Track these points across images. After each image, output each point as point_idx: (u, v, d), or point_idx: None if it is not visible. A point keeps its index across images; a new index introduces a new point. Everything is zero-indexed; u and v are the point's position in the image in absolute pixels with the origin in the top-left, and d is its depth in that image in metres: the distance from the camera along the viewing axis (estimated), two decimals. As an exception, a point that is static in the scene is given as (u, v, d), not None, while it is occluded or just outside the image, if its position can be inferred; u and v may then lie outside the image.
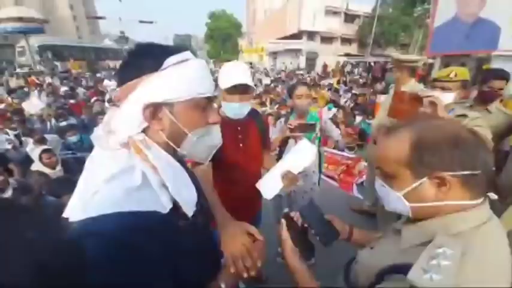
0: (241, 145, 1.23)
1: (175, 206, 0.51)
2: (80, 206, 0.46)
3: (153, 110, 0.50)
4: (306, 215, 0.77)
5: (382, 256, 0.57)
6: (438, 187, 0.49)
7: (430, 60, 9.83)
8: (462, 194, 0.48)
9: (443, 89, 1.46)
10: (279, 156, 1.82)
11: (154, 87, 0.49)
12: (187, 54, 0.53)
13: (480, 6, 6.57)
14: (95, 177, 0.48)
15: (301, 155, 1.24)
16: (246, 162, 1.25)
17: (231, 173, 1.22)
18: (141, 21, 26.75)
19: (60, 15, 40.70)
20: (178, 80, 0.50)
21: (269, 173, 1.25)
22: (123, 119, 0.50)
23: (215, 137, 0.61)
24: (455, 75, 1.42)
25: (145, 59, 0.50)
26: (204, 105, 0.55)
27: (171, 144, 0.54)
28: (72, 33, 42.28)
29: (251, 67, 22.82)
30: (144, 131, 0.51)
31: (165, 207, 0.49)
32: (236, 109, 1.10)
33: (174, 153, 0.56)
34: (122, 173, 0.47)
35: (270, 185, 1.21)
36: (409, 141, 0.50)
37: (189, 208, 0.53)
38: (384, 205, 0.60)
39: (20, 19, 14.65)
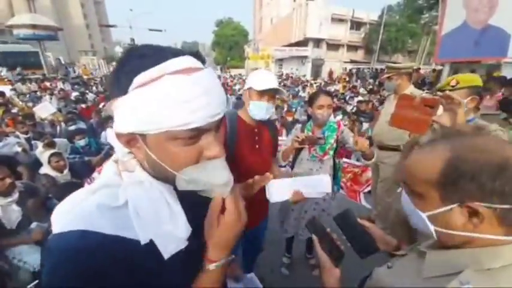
0: (257, 146, 1.30)
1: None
2: (60, 215, 0.42)
3: (128, 138, 0.42)
4: (340, 223, 0.73)
5: (401, 279, 0.52)
6: (469, 217, 0.43)
7: (439, 67, 9.74)
8: (497, 229, 0.42)
9: None
10: (292, 166, 1.79)
11: (118, 115, 0.40)
12: (165, 66, 0.37)
13: (490, 13, 6.52)
14: (92, 184, 0.45)
15: (317, 186, 1.30)
16: (260, 164, 1.31)
17: (246, 173, 1.24)
18: (150, 29, 27.42)
19: (74, 23, 42.30)
20: (141, 109, 0.37)
21: (282, 181, 1.29)
22: (111, 138, 0.46)
23: (220, 174, 0.45)
24: (457, 82, 1.31)
25: (119, 76, 0.40)
26: (192, 136, 0.40)
27: (158, 176, 0.45)
28: (85, 41, 43.90)
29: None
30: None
31: (142, 237, 0.42)
32: (263, 108, 1.21)
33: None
34: (105, 188, 0.44)
35: (278, 191, 1.26)
36: (445, 159, 0.43)
37: (166, 245, 0.44)
38: (410, 223, 0.55)
39: (33, 26, 15.12)
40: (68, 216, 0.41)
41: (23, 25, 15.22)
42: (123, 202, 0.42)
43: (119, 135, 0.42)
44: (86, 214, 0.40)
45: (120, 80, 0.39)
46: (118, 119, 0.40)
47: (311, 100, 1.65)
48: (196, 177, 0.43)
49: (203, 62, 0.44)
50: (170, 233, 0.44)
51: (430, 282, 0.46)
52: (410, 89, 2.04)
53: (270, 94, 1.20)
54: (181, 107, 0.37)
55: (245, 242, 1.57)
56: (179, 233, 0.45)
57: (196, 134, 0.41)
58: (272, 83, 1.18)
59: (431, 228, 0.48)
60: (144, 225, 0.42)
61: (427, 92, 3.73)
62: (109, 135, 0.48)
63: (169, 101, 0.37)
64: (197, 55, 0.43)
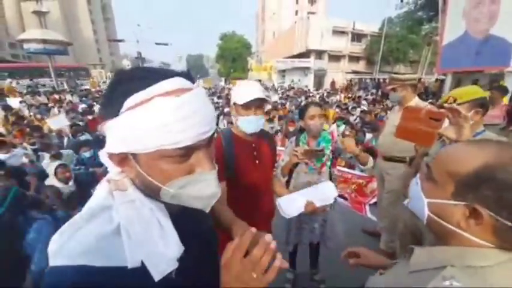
0: (257, 162, 1.27)
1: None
2: (57, 247, 0.40)
3: (120, 158, 0.43)
4: None
5: (390, 279, 0.55)
6: (468, 217, 0.44)
7: (442, 77, 9.77)
8: (487, 236, 0.43)
9: None
10: (289, 180, 1.77)
11: (110, 136, 0.41)
12: (155, 89, 0.39)
13: (490, 23, 6.57)
14: (84, 209, 0.44)
15: (324, 193, 1.34)
16: (261, 179, 1.29)
17: (248, 190, 1.24)
18: (157, 43, 28.29)
19: (84, 38, 44.11)
20: (132, 130, 0.38)
21: (292, 195, 1.34)
22: (103, 158, 0.46)
23: (207, 186, 0.45)
24: (454, 100, 1.29)
25: (110, 98, 0.41)
26: (182, 154, 0.41)
27: (150, 194, 0.45)
28: (94, 54, 45.52)
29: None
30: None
31: (131, 260, 0.41)
32: (253, 122, 1.16)
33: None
34: (99, 212, 0.43)
35: (291, 206, 1.29)
36: (485, 161, 0.42)
37: (157, 266, 0.42)
38: (408, 201, 0.57)
39: (44, 41, 15.63)
40: (65, 248, 0.40)
41: (33, 40, 15.70)
42: (117, 224, 0.42)
43: (111, 155, 0.43)
44: (84, 247, 0.39)
45: (111, 102, 0.40)
46: (110, 140, 0.42)
47: (302, 112, 1.65)
48: (182, 191, 0.43)
49: (193, 81, 0.45)
50: (161, 253, 0.43)
51: (414, 276, 0.48)
52: (415, 101, 2.03)
53: (256, 105, 1.14)
54: (171, 127, 0.38)
55: None
56: (170, 253, 0.44)
57: (186, 152, 0.42)
58: (255, 93, 1.11)
59: (426, 213, 0.50)
60: (134, 247, 0.41)
61: (430, 103, 3.73)
62: (101, 155, 0.49)
63: (159, 121, 0.38)
64: (187, 75, 0.45)
